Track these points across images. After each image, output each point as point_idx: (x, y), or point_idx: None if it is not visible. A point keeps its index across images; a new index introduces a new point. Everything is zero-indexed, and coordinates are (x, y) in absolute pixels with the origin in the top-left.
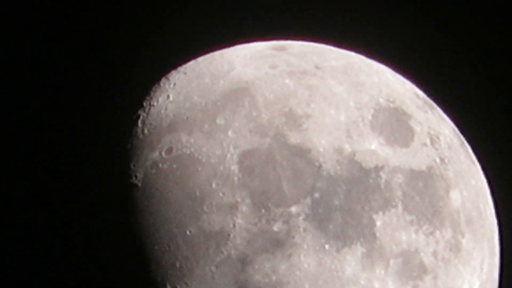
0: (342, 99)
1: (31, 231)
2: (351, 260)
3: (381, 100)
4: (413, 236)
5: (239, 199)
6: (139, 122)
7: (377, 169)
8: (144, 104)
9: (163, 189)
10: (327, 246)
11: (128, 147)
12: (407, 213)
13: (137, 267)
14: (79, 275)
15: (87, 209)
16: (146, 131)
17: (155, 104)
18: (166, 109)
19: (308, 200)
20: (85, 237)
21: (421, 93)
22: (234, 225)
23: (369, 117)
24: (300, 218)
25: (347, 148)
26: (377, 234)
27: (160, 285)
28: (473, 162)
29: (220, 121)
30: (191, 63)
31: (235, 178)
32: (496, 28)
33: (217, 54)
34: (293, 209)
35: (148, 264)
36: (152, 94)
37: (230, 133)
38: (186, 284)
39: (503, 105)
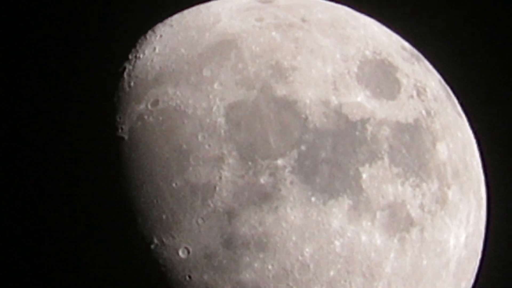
0: (328, 51)
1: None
2: (337, 213)
3: (367, 52)
4: (400, 188)
5: (225, 152)
6: (125, 74)
7: (364, 121)
8: (130, 56)
9: (149, 141)
10: (313, 199)
11: (114, 100)
12: (393, 166)
13: (124, 220)
14: (64, 230)
15: (73, 162)
16: (132, 84)
17: (141, 56)
18: (152, 61)
19: (294, 153)
20: (71, 190)
21: (407, 45)
22: (221, 178)
23: (356, 70)
24: (287, 170)
25: (334, 100)
26: (364, 187)
27: (147, 238)
28: (459, 115)
29: (206, 73)
30: (177, 15)
31: (222, 131)
32: None
33: (203, 6)
34: (280, 161)
35: (134, 217)
36: (138, 46)
37: (216, 85)
38: (173, 237)
39: (489, 57)
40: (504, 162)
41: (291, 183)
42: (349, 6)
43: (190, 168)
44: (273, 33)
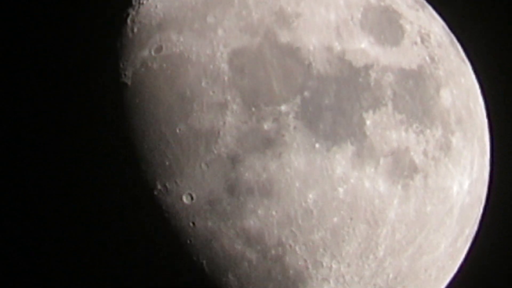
0: None
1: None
2: (341, 159)
3: None
4: (403, 135)
5: (229, 98)
6: (129, 20)
7: (367, 68)
8: (133, 2)
9: (152, 87)
10: (317, 145)
11: (117, 46)
12: (397, 112)
13: (127, 166)
14: (67, 174)
15: (76, 108)
16: (135, 30)
17: (145, 2)
18: (156, 7)
19: (298, 99)
20: (74, 136)
21: None
22: (224, 124)
23: (359, 16)
24: (290, 116)
25: (337, 46)
26: (367, 133)
27: (150, 184)
28: (463, 61)
29: (210, 19)
30: None
31: (225, 77)
32: None
33: None
34: (283, 107)
35: (138, 163)
36: None
37: (220, 32)
38: (176, 183)
39: (493, 2)
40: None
41: (295, 129)
42: None
43: (194, 114)
44: None
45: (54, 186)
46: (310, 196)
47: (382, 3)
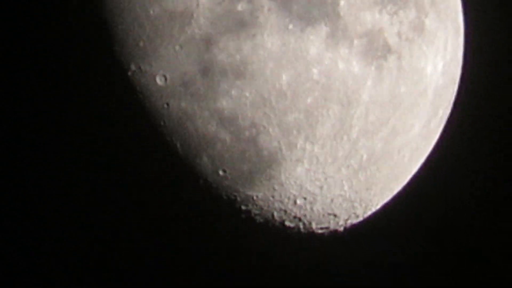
0: None
1: None
2: (315, 40)
3: None
4: (377, 16)
5: None
6: None
7: None
8: None
9: None
10: (291, 26)
11: None
12: None
13: (101, 47)
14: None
15: None
16: None
17: None
18: None
19: None
20: (54, 23)
21: None
22: (198, 5)
23: None
24: None
25: None
26: (341, 14)
27: (125, 65)
28: None
29: None
30: None
31: None
32: None
33: None
34: None
35: (112, 45)
36: None
37: None
38: (150, 64)
39: None
40: None
41: (269, 10)
42: None
43: None
44: None
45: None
46: (284, 77)
47: None
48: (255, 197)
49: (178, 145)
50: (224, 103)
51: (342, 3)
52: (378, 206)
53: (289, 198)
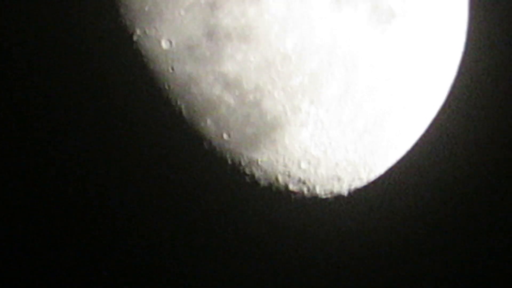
0: None
1: None
2: (319, 4)
3: None
4: None
5: None
6: None
7: None
8: None
9: None
10: None
11: None
12: None
13: (107, 12)
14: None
15: None
16: None
17: None
18: None
19: None
20: None
21: None
22: None
23: None
24: None
25: None
26: None
27: (130, 29)
28: None
29: None
30: None
31: None
32: None
33: None
34: None
35: (117, 9)
36: None
37: None
38: (155, 28)
39: None
40: None
41: None
42: None
43: None
44: None
45: None
46: (288, 41)
47: None
48: (259, 161)
49: (183, 108)
50: (229, 67)
51: None
52: (383, 170)
53: (293, 162)
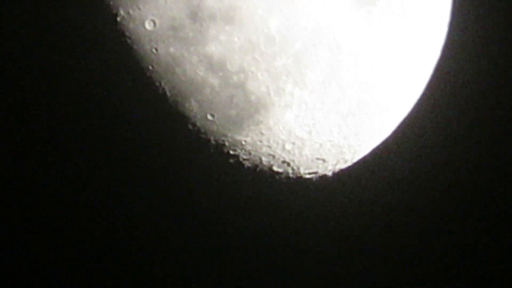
0: None
1: None
2: None
3: None
4: None
5: None
6: None
7: None
8: None
9: None
10: None
11: None
12: None
13: None
14: None
15: None
16: None
17: None
18: None
19: None
20: None
21: None
22: None
23: None
24: None
25: None
26: None
27: (113, 10)
28: None
29: None
30: None
31: None
32: None
33: None
34: None
35: None
36: None
37: None
38: (139, 8)
39: None
40: None
41: None
42: None
43: None
44: None
45: None
46: (273, 22)
47: None
48: (243, 142)
49: (167, 89)
50: (213, 48)
51: None
52: (367, 152)
53: (277, 143)
